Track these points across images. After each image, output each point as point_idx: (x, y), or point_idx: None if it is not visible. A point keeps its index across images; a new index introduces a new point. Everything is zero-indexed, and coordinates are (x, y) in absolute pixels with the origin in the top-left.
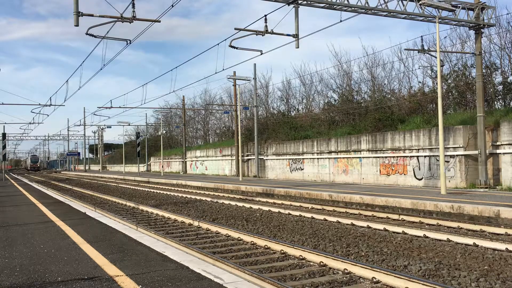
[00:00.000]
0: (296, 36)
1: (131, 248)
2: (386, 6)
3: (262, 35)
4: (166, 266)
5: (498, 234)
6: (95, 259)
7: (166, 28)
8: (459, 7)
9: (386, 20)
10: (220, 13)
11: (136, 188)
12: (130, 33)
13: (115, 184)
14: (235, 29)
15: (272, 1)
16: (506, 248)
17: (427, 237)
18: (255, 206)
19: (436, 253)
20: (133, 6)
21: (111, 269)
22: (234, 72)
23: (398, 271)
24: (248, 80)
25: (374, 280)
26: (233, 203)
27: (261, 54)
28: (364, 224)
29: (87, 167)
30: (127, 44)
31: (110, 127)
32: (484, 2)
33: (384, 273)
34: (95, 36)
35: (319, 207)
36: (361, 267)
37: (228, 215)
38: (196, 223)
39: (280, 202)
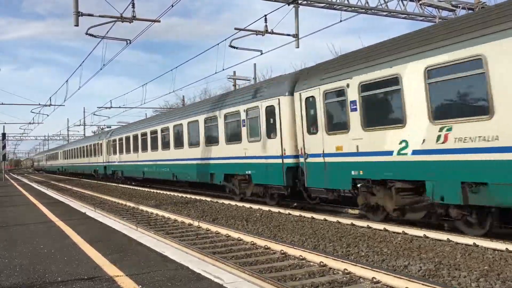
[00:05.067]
0: (296, 36)
1: (131, 248)
2: (386, 6)
3: (262, 35)
4: (166, 266)
5: (498, 234)
6: (95, 259)
7: (166, 28)
8: (459, 7)
9: (386, 20)
10: (220, 13)
11: (135, 188)
12: (130, 33)
13: (115, 184)
14: (235, 29)
15: (272, 1)
16: (506, 248)
17: (427, 237)
18: (255, 206)
19: (436, 253)
20: (133, 6)
21: (111, 269)
22: (234, 72)
23: (398, 271)
24: (248, 80)
25: (374, 280)
26: (233, 203)
27: (261, 54)
28: (364, 224)
29: None
30: (127, 44)
31: (110, 127)
32: (485, 2)
33: (384, 273)
34: (95, 36)
35: (319, 206)
36: (361, 267)
37: (228, 215)
38: (196, 223)
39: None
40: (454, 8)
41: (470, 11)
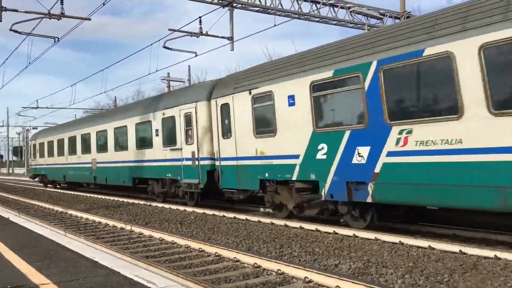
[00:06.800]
0: (231, 38)
1: (58, 255)
2: (318, 12)
3: (197, 37)
4: (96, 272)
5: (421, 232)
6: (20, 267)
7: (97, 26)
8: (387, 15)
9: (318, 26)
10: (153, 13)
11: (64, 191)
12: (59, 31)
13: (42, 188)
14: (169, 30)
15: (207, 3)
16: (429, 246)
17: (357, 236)
18: (189, 209)
19: (365, 252)
20: (62, 3)
21: (36, 277)
22: (168, 74)
23: (329, 270)
24: (182, 81)
25: (307, 279)
26: (166, 206)
27: (196, 56)
28: (297, 225)
29: (10, 170)
30: (54, 41)
31: (36, 128)
32: (410, 12)
33: (316, 272)
34: (19, 33)
35: (252, 208)
36: (294, 267)
37: (161, 218)
38: (128, 227)
39: (214, 204)
40: (381, 17)
41: (396, 20)
